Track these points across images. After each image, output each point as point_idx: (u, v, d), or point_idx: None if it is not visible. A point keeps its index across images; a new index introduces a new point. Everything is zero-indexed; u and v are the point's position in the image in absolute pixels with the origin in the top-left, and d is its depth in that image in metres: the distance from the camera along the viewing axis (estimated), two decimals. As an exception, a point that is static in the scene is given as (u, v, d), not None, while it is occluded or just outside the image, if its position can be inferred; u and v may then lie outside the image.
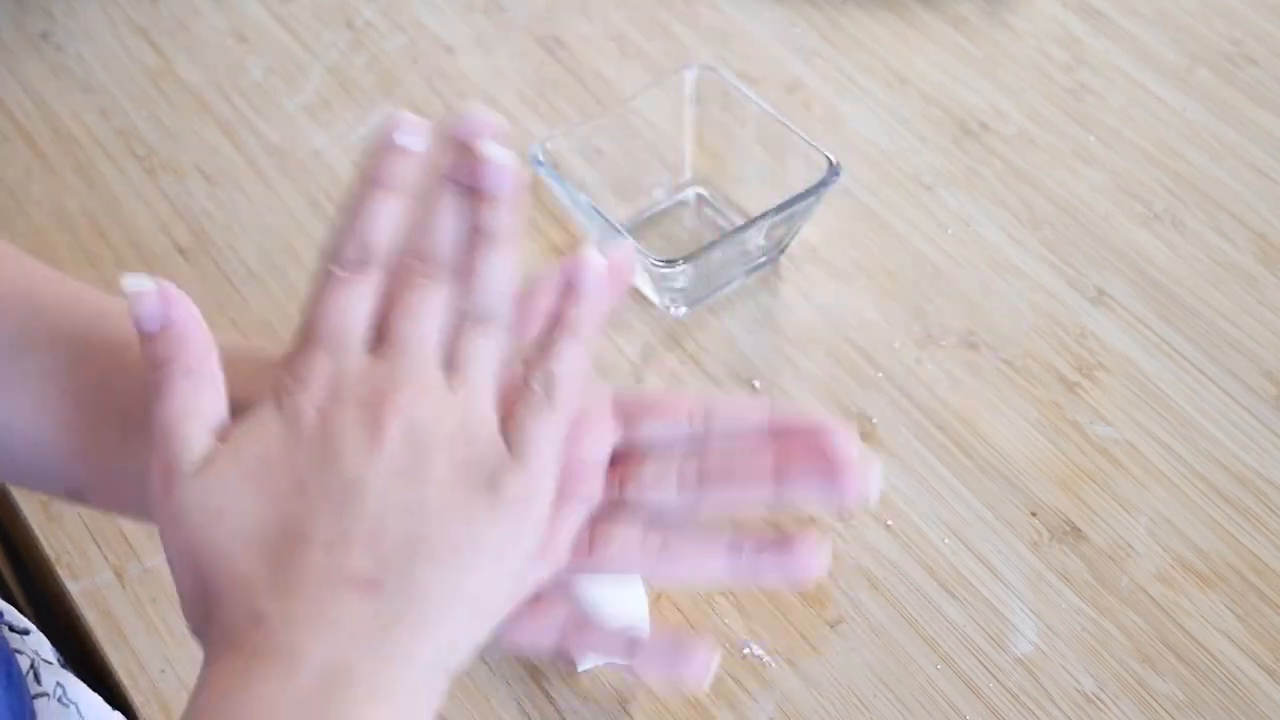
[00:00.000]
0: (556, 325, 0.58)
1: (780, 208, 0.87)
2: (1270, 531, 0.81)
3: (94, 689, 0.78)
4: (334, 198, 0.98)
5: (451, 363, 0.56)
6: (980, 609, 0.78)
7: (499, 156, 0.60)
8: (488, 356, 0.57)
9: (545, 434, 0.56)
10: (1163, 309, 0.90)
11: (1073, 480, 0.83)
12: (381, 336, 0.56)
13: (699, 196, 0.95)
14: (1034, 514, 0.82)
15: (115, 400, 0.61)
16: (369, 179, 0.58)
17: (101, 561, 0.81)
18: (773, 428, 0.61)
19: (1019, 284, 0.92)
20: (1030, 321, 0.90)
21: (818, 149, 0.88)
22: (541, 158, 0.89)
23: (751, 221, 0.87)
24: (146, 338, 0.54)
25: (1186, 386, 0.87)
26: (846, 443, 0.59)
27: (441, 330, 0.57)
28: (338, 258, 0.57)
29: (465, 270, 0.58)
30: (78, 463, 0.61)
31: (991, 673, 0.76)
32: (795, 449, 0.59)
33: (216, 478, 0.53)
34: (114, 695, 0.79)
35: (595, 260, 0.59)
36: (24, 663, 0.70)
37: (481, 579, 0.53)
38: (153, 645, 0.78)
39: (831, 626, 0.78)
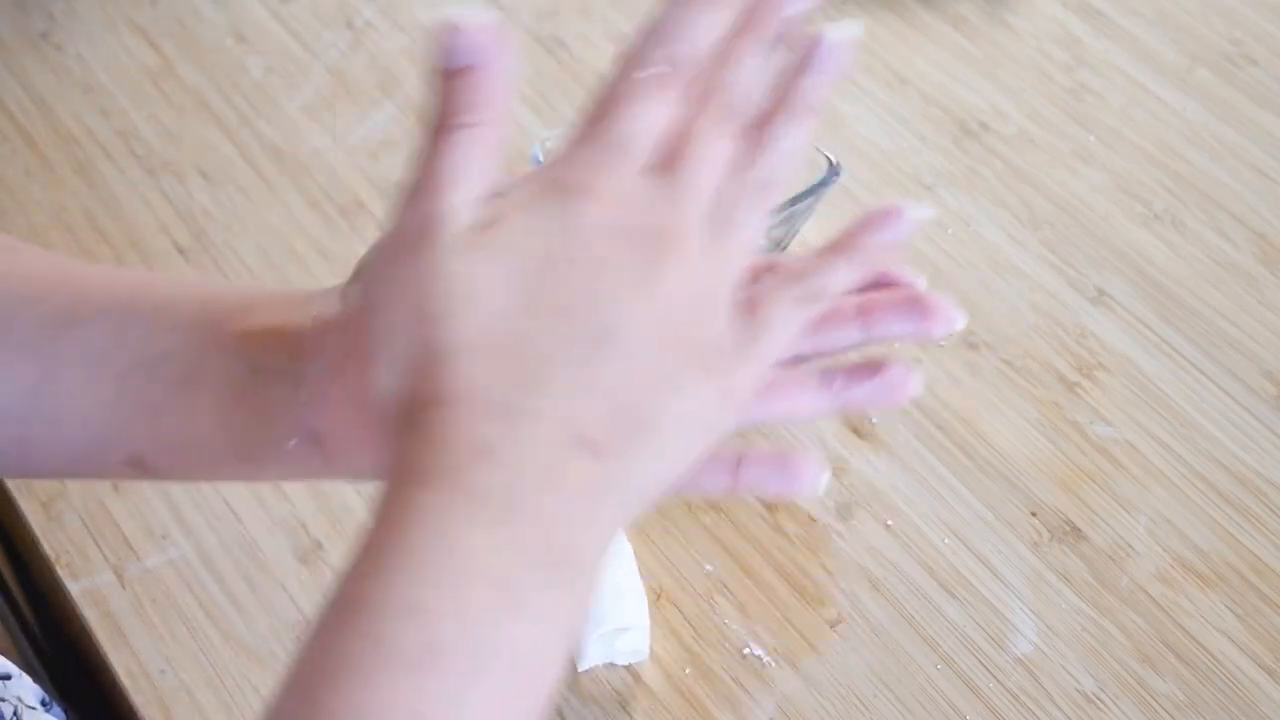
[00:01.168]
0: (837, 249, 0.54)
1: (780, 208, 0.87)
2: (1270, 531, 0.81)
3: (93, 689, 0.78)
4: (334, 198, 0.98)
5: (721, 221, 0.52)
6: (980, 609, 0.78)
7: (844, 34, 0.56)
8: (757, 227, 0.53)
9: (788, 329, 0.53)
10: (1163, 309, 0.90)
11: (1073, 480, 0.83)
12: (666, 162, 0.51)
13: None
14: (1034, 514, 0.82)
15: (171, 363, 0.59)
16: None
17: (101, 561, 0.81)
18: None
19: (1019, 284, 0.92)
20: (1030, 321, 0.90)
21: (818, 148, 0.88)
22: (541, 157, 0.89)
23: None
24: (447, 74, 0.49)
25: (1186, 386, 0.87)
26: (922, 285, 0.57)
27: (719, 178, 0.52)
28: (643, 58, 0.52)
29: (760, 129, 0.54)
30: (139, 423, 0.59)
31: (991, 673, 0.76)
32: (875, 291, 0.57)
33: (483, 259, 0.48)
34: (113, 695, 0.79)
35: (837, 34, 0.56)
36: (6, 709, 0.69)
37: (688, 463, 0.51)
38: (152, 645, 0.78)
39: (831, 626, 0.78)
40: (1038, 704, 0.75)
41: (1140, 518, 0.81)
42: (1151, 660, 0.76)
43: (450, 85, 0.49)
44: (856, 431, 0.85)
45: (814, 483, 0.56)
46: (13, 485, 0.84)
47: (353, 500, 0.83)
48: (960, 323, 0.56)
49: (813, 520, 0.82)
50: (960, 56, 1.05)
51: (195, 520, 0.83)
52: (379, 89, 1.05)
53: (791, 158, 0.54)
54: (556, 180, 0.50)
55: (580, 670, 0.76)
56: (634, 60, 0.52)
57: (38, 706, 0.72)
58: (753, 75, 0.54)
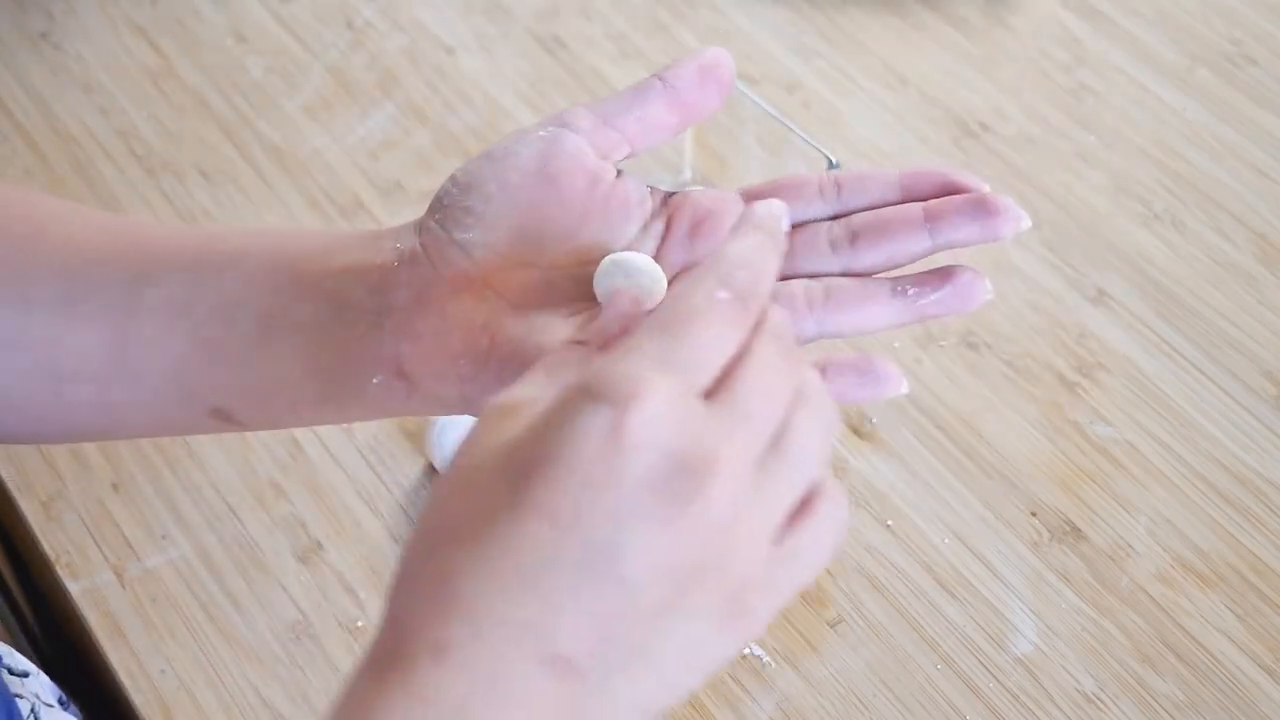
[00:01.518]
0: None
1: None
2: (1270, 531, 0.81)
3: (93, 689, 0.78)
4: (334, 197, 0.98)
5: (777, 444, 0.48)
6: (980, 609, 0.78)
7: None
8: (819, 455, 0.49)
9: (819, 561, 0.49)
10: (1163, 309, 0.90)
11: (1073, 480, 0.83)
12: (722, 385, 0.48)
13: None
14: (1034, 514, 0.82)
15: (248, 311, 0.59)
16: (768, 223, 0.51)
17: (101, 561, 0.81)
18: (904, 185, 0.58)
19: (1019, 284, 0.92)
20: (1030, 321, 0.90)
21: (817, 148, 0.88)
22: None
23: None
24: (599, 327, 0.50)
25: (1186, 386, 0.87)
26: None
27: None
28: (729, 279, 0.49)
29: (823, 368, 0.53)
30: (221, 374, 0.59)
31: (991, 673, 0.76)
32: (939, 197, 0.57)
33: (477, 454, 0.46)
34: (113, 695, 0.79)
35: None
36: (24, 706, 0.70)
37: (689, 689, 0.47)
38: (152, 645, 0.78)
39: (831, 626, 0.78)
40: (1037, 704, 0.75)
41: (1140, 518, 0.81)
42: (1151, 660, 0.76)
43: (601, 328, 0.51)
44: (856, 431, 0.85)
45: (898, 385, 0.56)
46: (12, 485, 0.84)
47: (352, 500, 0.83)
48: (1027, 222, 0.56)
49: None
50: (960, 56, 1.05)
51: (195, 520, 0.83)
52: (379, 89, 1.05)
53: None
54: (580, 382, 0.46)
55: None
56: (719, 274, 0.49)
57: (54, 704, 0.72)
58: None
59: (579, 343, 0.52)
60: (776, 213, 0.51)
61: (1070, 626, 0.77)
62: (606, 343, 0.51)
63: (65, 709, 0.73)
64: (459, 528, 0.45)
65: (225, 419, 0.61)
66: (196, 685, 0.77)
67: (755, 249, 0.50)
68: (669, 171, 0.95)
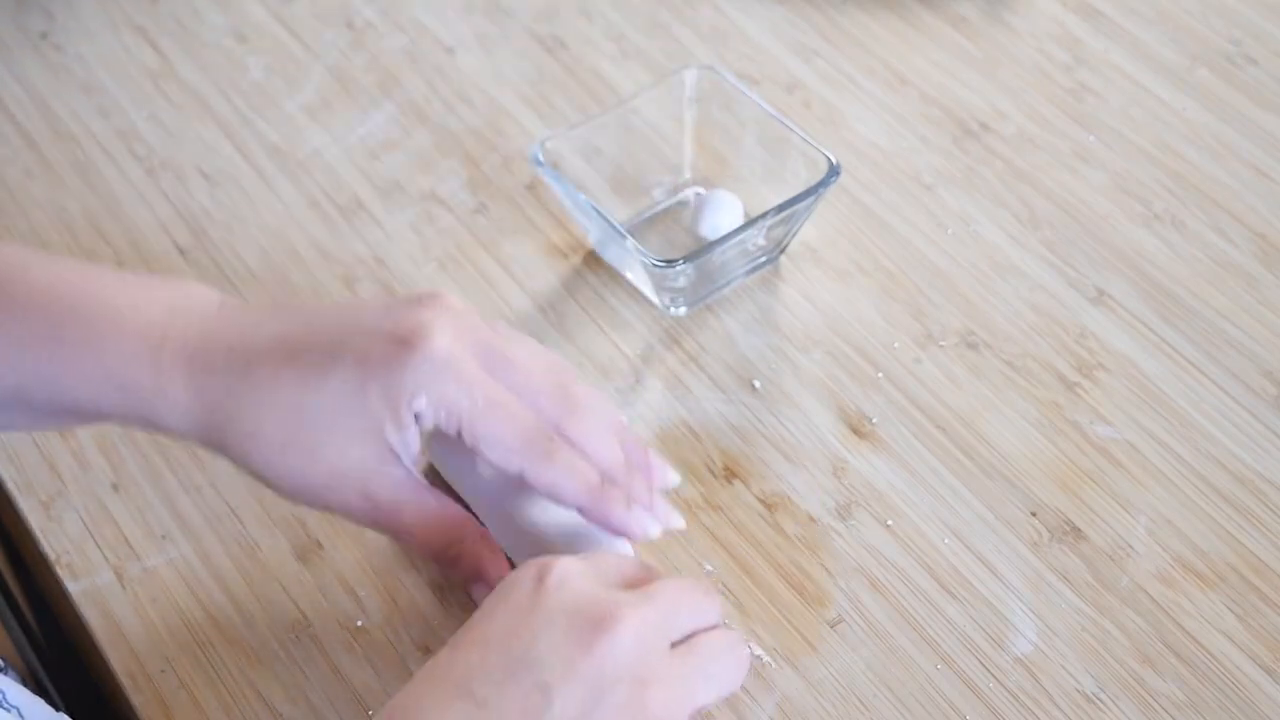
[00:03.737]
0: None
1: (780, 208, 0.87)
2: (1270, 531, 0.81)
3: (92, 689, 0.78)
4: (334, 197, 0.98)
5: (691, 643, 0.67)
6: (980, 609, 0.78)
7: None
8: (730, 661, 0.69)
9: (722, 672, 0.68)
10: (1163, 309, 0.90)
11: (1073, 480, 0.83)
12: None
13: (699, 196, 0.94)
14: (1034, 514, 0.82)
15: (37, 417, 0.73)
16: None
17: (101, 562, 0.81)
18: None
19: (1019, 284, 0.92)
20: (1030, 321, 0.90)
21: (817, 148, 0.88)
22: (541, 157, 0.89)
23: (751, 221, 0.87)
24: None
25: (1186, 386, 0.87)
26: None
27: None
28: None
29: None
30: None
31: (991, 673, 0.76)
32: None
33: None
34: (113, 695, 0.79)
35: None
36: None
37: None
38: (152, 645, 0.78)
39: (831, 626, 0.78)
40: (1037, 704, 0.75)
41: (1140, 518, 0.81)
42: (1151, 660, 0.76)
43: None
44: (855, 431, 0.85)
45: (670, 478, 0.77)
46: (12, 485, 0.84)
47: (352, 500, 0.83)
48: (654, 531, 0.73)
49: (812, 520, 0.82)
50: (960, 56, 1.05)
51: (195, 520, 0.83)
52: (379, 89, 1.05)
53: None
54: (532, 565, 0.66)
55: None
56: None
57: None
58: None
59: None
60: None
61: (1070, 626, 0.77)
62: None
63: (1, 674, 0.73)
64: (424, 674, 0.62)
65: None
66: (196, 685, 0.77)
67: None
68: (669, 172, 0.95)
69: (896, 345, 0.89)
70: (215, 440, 0.70)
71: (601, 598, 0.62)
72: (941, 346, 0.89)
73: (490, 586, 0.70)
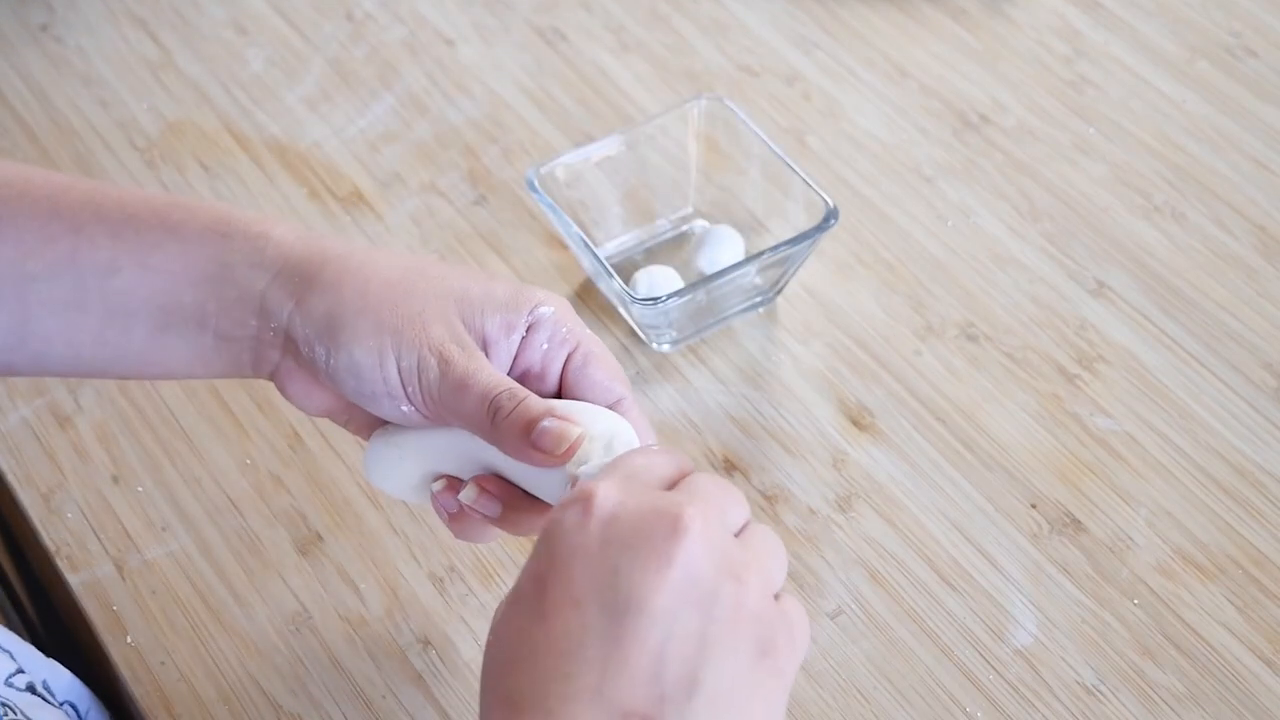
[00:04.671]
0: None
1: (774, 249, 0.85)
2: (1270, 524, 0.81)
3: (93, 682, 0.78)
4: (334, 189, 0.98)
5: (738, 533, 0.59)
6: (980, 601, 0.78)
7: None
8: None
9: (803, 639, 0.59)
10: (1163, 301, 0.90)
11: (1073, 472, 0.83)
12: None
13: (703, 229, 0.92)
14: (1034, 506, 0.82)
15: (145, 319, 0.67)
16: None
17: (101, 554, 0.81)
18: None
19: (1019, 276, 0.92)
20: (1030, 314, 0.90)
21: (818, 192, 0.86)
22: (536, 184, 0.88)
23: (740, 262, 0.86)
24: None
25: (1186, 379, 0.87)
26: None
27: None
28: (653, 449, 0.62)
29: None
30: (119, 364, 0.68)
31: (991, 665, 0.76)
32: None
33: (511, 596, 0.57)
34: (113, 687, 0.79)
35: None
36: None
37: None
38: (152, 637, 0.78)
39: (831, 618, 0.78)
40: (1038, 696, 0.75)
41: (1140, 510, 0.81)
42: (1151, 652, 0.76)
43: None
44: (856, 423, 0.85)
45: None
46: (13, 477, 0.84)
47: (353, 493, 0.83)
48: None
49: (812, 512, 0.82)
50: (960, 48, 1.05)
51: (195, 512, 0.83)
52: (379, 80, 1.05)
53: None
54: (569, 498, 0.58)
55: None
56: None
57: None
58: None
59: None
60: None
61: (1070, 618, 0.77)
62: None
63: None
64: (509, 659, 0.55)
65: (123, 379, 0.72)
66: (196, 677, 0.77)
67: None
68: (676, 201, 0.94)
69: (896, 337, 0.89)
70: (314, 269, 0.66)
71: (657, 507, 0.56)
72: (941, 338, 0.89)
73: (563, 419, 0.64)
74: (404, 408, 0.65)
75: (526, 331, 0.66)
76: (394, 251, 0.69)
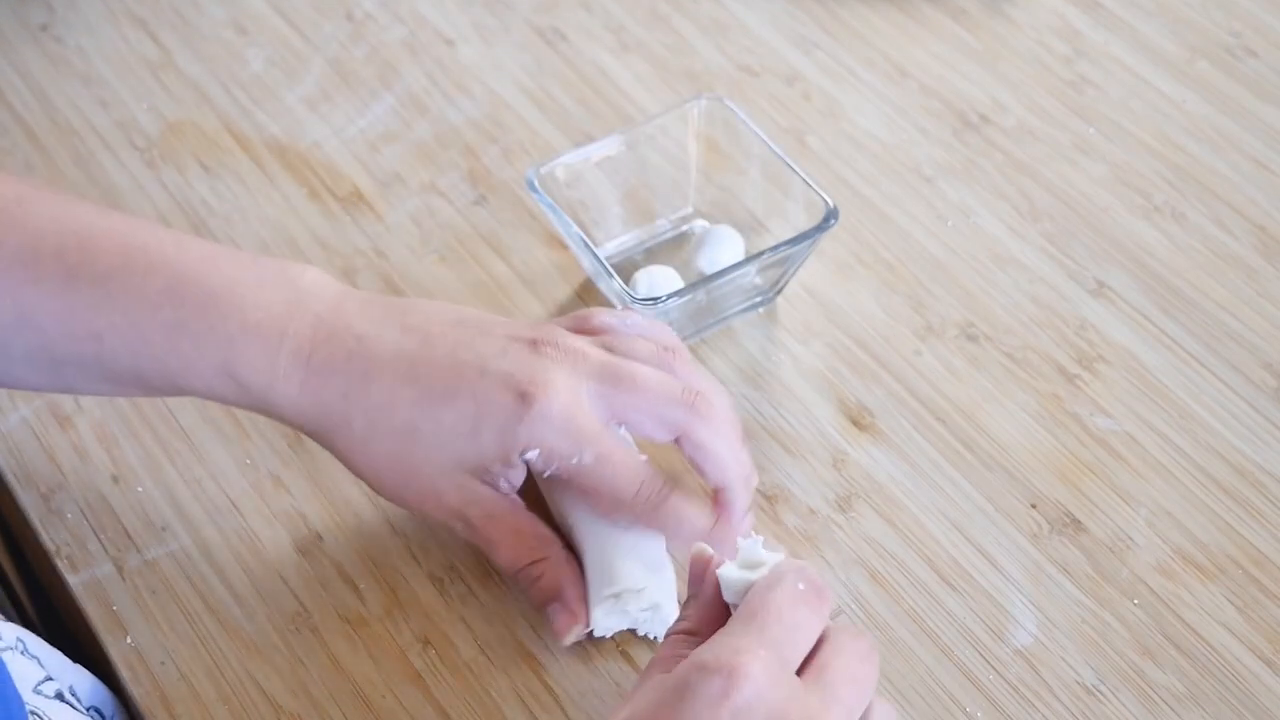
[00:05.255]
0: None
1: (774, 249, 0.85)
2: (1270, 524, 0.81)
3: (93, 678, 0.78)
4: (334, 189, 0.98)
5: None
6: (980, 601, 0.78)
7: None
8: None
9: None
10: (1163, 301, 0.90)
11: (1073, 472, 0.83)
12: (815, 671, 0.59)
13: (703, 229, 0.93)
14: (1034, 506, 0.82)
15: (127, 384, 0.74)
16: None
17: (101, 554, 0.81)
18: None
19: (1019, 276, 0.92)
20: (1030, 314, 0.90)
21: (818, 193, 0.86)
22: (536, 184, 0.88)
23: (739, 263, 0.86)
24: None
25: (1187, 379, 0.87)
26: None
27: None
28: (803, 574, 0.61)
29: None
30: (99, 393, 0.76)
31: (991, 665, 0.76)
32: None
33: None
34: (113, 687, 0.79)
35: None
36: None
37: None
38: (153, 637, 0.78)
39: (831, 618, 0.78)
40: (1038, 696, 0.75)
41: (1140, 510, 0.81)
42: (1151, 652, 0.76)
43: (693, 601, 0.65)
44: (856, 423, 0.85)
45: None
46: (13, 477, 0.84)
47: (353, 493, 0.83)
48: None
49: (812, 512, 0.82)
50: (960, 48, 1.05)
51: (195, 513, 0.83)
52: (379, 81, 1.05)
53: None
54: (690, 662, 0.58)
55: (596, 636, 0.75)
56: (791, 576, 0.61)
57: (14, 617, 0.73)
58: None
59: (682, 633, 0.64)
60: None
61: (1070, 618, 0.77)
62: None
63: (22, 625, 0.74)
64: None
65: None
66: (196, 677, 0.77)
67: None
68: (676, 201, 0.94)
69: (896, 337, 0.89)
70: (323, 438, 0.74)
71: (789, 714, 0.57)
72: (941, 338, 0.89)
73: (570, 611, 0.73)
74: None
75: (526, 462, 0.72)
76: (391, 386, 0.72)
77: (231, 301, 0.72)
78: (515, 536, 0.74)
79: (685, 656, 0.59)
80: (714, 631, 0.61)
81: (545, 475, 0.74)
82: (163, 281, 0.71)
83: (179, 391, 0.74)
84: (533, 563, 0.74)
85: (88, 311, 0.70)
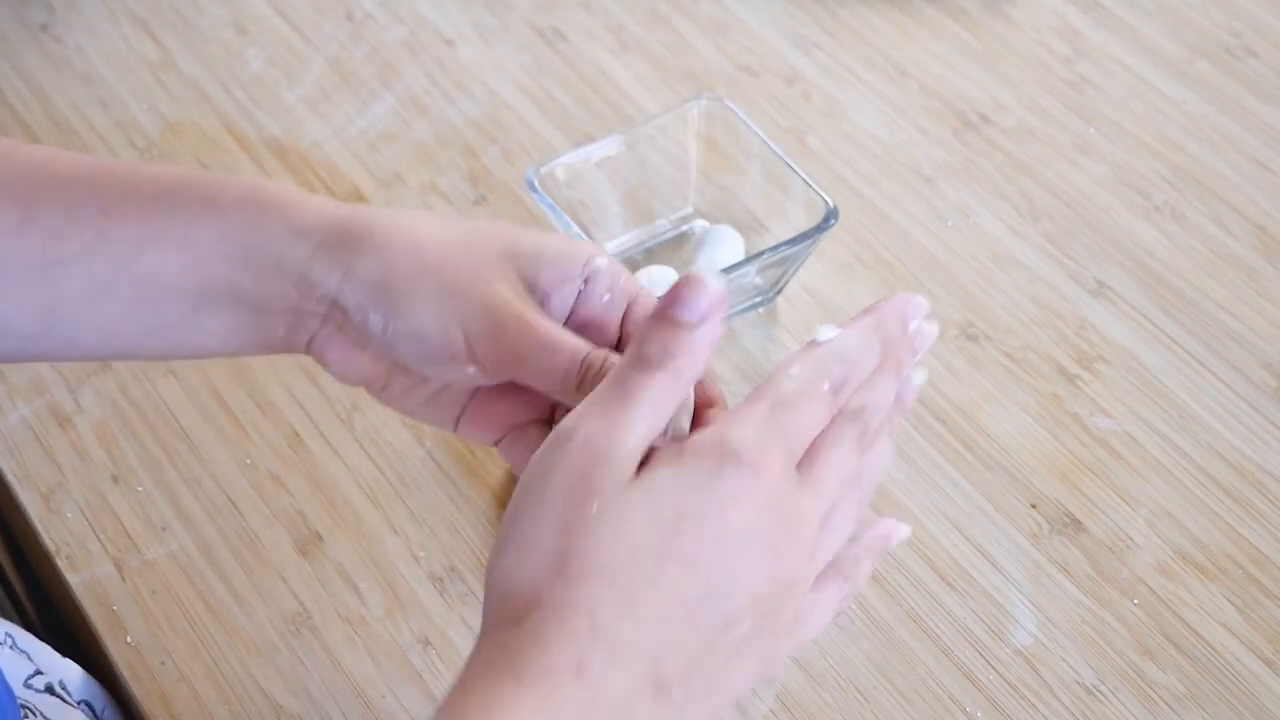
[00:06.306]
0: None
1: (774, 249, 0.85)
2: (1270, 523, 0.81)
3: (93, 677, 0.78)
4: (334, 189, 0.98)
5: (830, 525, 0.57)
6: (980, 601, 0.78)
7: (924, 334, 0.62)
8: (850, 531, 0.59)
9: (821, 621, 0.59)
10: (1163, 301, 0.90)
11: (1073, 472, 0.83)
12: (807, 462, 0.57)
13: (703, 229, 0.93)
14: (1034, 506, 0.82)
15: (172, 295, 0.64)
16: (880, 326, 0.60)
17: (101, 553, 0.81)
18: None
19: (1019, 276, 0.92)
20: (1030, 313, 0.90)
21: (818, 193, 0.86)
22: (536, 183, 0.88)
23: (740, 262, 0.86)
24: (671, 320, 0.55)
25: (1186, 379, 0.87)
26: None
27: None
28: (829, 372, 0.58)
29: (870, 440, 0.59)
30: (152, 340, 0.65)
31: (991, 665, 0.76)
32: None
33: (634, 500, 0.53)
34: (113, 687, 0.79)
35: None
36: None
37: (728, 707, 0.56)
38: (152, 637, 0.78)
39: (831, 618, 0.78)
40: (1037, 695, 0.75)
41: (1140, 510, 0.81)
42: (1151, 652, 0.76)
43: (670, 332, 0.55)
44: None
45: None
46: (13, 477, 0.84)
47: (353, 493, 0.83)
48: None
49: (812, 512, 0.82)
50: (960, 48, 1.05)
51: (195, 512, 0.83)
52: (379, 80, 1.05)
53: (885, 466, 0.60)
54: (721, 443, 0.54)
55: None
56: (819, 368, 0.58)
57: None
58: (884, 395, 0.60)
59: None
60: (907, 313, 0.61)
61: (1070, 618, 0.77)
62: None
63: (11, 621, 0.74)
64: (612, 568, 0.52)
65: (158, 360, 0.69)
66: (196, 677, 0.77)
67: (858, 347, 0.58)
68: (676, 201, 0.94)
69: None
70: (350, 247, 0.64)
71: (790, 517, 0.55)
72: (941, 339, 0.89)
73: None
74: (469, 370, 0.63)
75: (584, 284, 0.64)
76: (436, 212, 0.68)
77: (255, 183, 0.66)
78: (572, 334, 0.64)
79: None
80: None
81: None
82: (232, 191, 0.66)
83: (184, 262, 0.65)
84: (599, 351, 0.63)
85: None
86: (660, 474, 0.53)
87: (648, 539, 0.52)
